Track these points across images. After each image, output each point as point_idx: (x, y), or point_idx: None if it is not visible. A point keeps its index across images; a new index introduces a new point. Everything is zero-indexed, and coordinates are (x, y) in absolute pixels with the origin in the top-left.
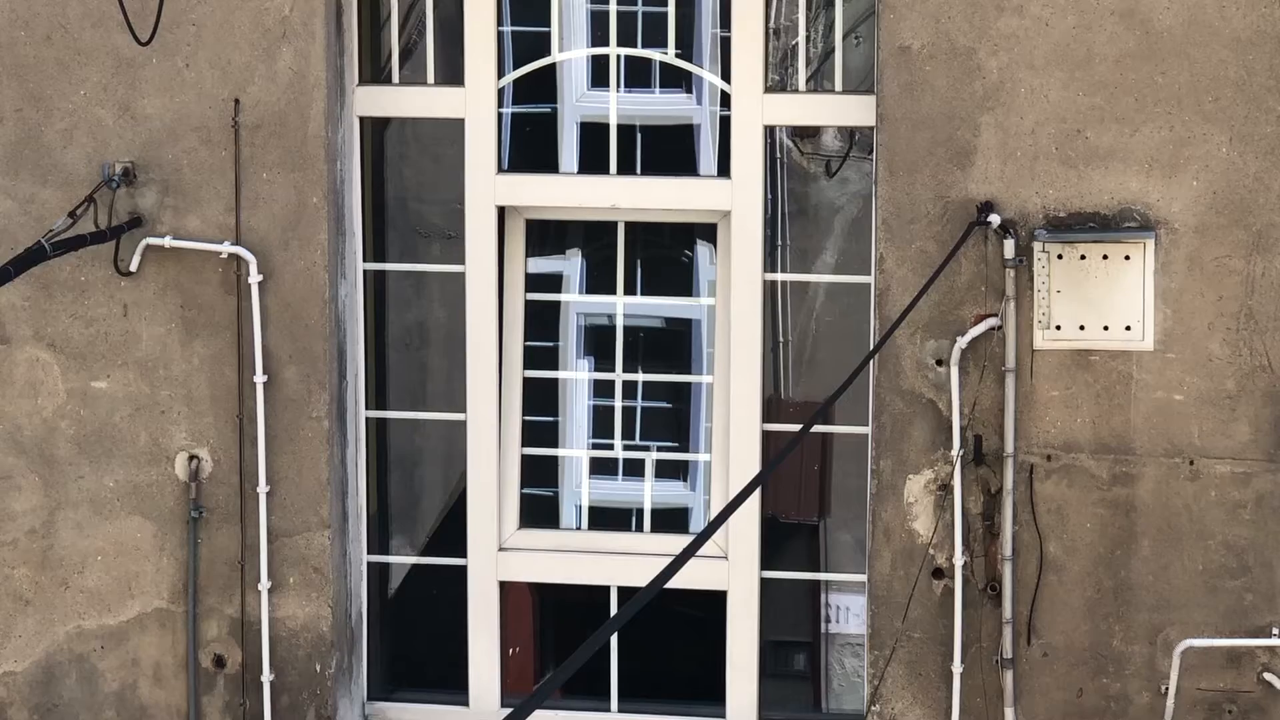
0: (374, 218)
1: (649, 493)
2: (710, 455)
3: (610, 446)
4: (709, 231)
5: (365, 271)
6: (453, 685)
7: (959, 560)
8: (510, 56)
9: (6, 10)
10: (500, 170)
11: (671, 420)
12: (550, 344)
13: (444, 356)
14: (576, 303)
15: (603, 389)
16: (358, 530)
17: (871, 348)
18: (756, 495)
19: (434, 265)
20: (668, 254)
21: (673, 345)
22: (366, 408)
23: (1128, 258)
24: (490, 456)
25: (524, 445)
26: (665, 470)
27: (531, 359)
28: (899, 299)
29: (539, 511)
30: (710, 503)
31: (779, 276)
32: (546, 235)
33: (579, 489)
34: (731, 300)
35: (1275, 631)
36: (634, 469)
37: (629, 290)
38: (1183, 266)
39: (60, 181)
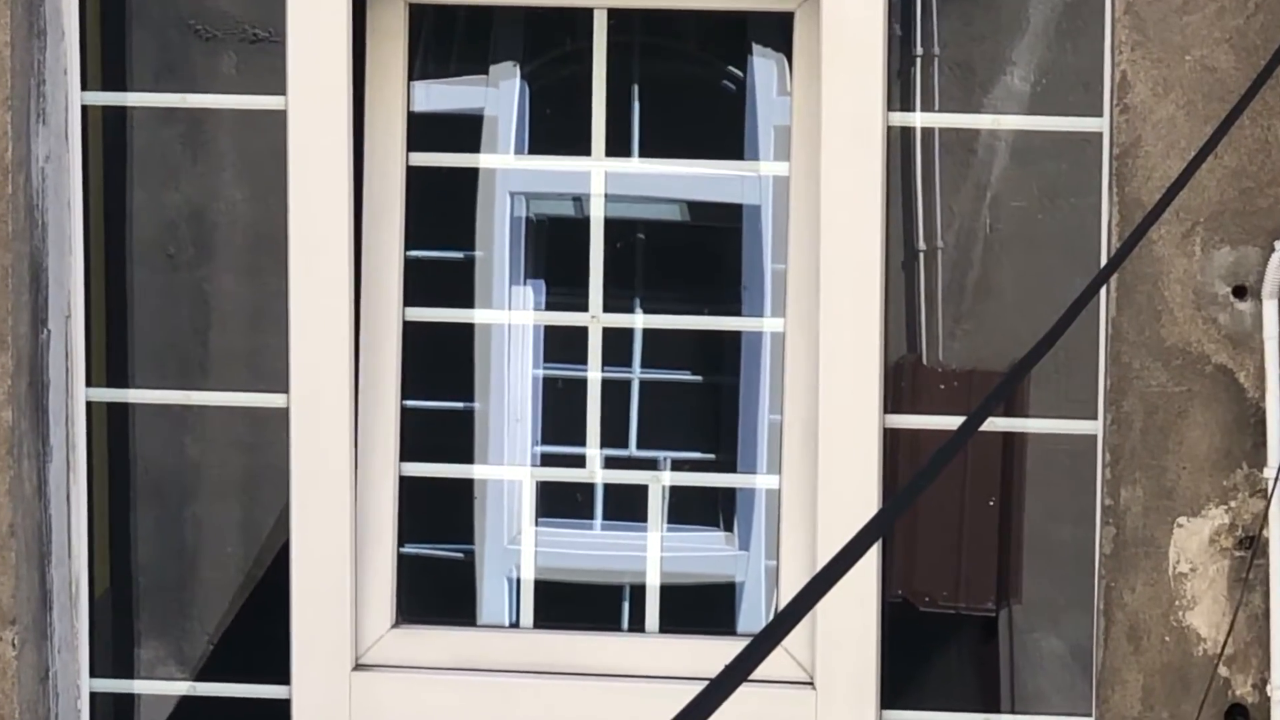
0: (104, 3)
1: (656, 553)
2: (780, 478)
3: (580, 461)
4: (777, 31)
5: (86, 110)
6: None
7: None
8: None
9: None
10: None
11: (701, 410)
12: (458, 254)
13: (245, 280)
14: (509, 171)
15: (563, 346)
16: (71, 629)
17: (1105, 263)
18: (873, 559)
19: (225, 96)
20: (694, 75)
21: (704, 259)
22: (89, 383)
23: None
24: (338, 480)
25: (404, 458)
26: (688, 508)
27: (421, 286)
28: (1159, 164)
29: (437, 591)
30: (779, 572)
31: (918, 120)
32: (450, 36)
33: (515, 546)
34: (824, 168)
35: None
36: (626, 504)
37: (615, 149)
38: None
39: None
